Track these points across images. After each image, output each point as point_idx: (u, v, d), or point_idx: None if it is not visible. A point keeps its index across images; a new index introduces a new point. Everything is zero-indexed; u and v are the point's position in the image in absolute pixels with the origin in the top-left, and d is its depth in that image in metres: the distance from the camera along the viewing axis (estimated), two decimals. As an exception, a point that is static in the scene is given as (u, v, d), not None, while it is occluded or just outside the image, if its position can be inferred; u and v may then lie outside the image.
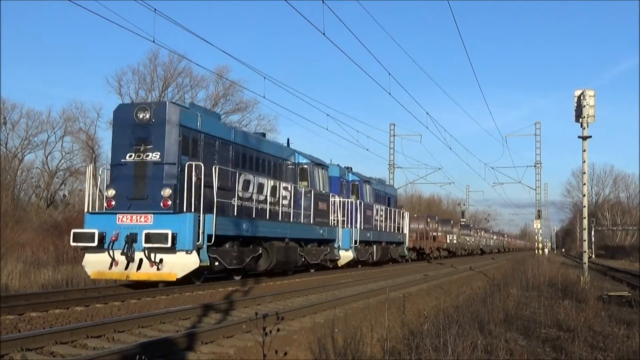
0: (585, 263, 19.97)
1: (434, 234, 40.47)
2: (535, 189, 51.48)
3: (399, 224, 30.10)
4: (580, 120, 19.15)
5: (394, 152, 48.53)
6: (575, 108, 19.56)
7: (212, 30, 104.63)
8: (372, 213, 25.90)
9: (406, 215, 31.51)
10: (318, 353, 6.92)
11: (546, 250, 64.63)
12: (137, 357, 5.16)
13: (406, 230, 31.18)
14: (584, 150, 19.29)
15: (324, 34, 15.72)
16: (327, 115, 31.76)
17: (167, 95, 51.04)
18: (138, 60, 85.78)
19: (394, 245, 29.21)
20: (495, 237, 77.71)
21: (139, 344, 6.84)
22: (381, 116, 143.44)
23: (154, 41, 14.83)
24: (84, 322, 8.67)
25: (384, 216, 27.65)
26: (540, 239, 58.26)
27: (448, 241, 44.89)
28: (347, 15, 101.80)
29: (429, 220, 40.47)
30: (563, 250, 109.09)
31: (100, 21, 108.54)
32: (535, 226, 57.63)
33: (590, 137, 19.14)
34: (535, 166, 50.51)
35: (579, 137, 19.30)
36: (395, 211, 29.84)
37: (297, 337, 7.87)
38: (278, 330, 4.32)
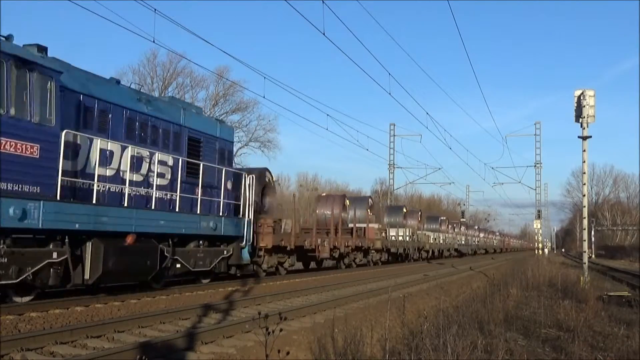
0: (585, 263, 19.97)
1: (357, 225, 25.84)
2: (535, 189, 51.57)
3: (232, 195, 15.75)
4: (580, 120, 19.16)
5: (394, 152, 48.58)
6: (575, 108, 19.57)
7: (212, 30, 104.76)
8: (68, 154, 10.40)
9: (249, 180, 15.94)
10: (318, 353, 6.92)
11: (546, 250, 64.60)
12: (138, 357, 5.17)
13: (250, 213, 15.85)
14: (584, 150, 19.29)
15: (324, 34, 15.69)
16: (327, 115, 31.65)
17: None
18: (138, 60, 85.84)
19: (202, 243, 14.18)
20: (482, 235, 66.92)
21: (139, 344, 6.85)
22: (381, 116, 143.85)
23: (154, 41, 14.73)
24: (84, 322, 8.67)
25: (154, 172, 12.70)
26: (540, 239, 58.26)
27: (391, 237, 30.89)
28: (347, 15, 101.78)
29: (346, 203, 27.50)
30: (563, 250, 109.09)
31: (100, 21, 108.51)
32: (535, 226, 57.63)
33: (590, 137, 19.17)
34: (535, 166, 50.59)
35: (579, 137, 19.34)
36: (204, 169, 14.22)
37: (297, 337, 7.87)
38: (281, 330, 4.32)
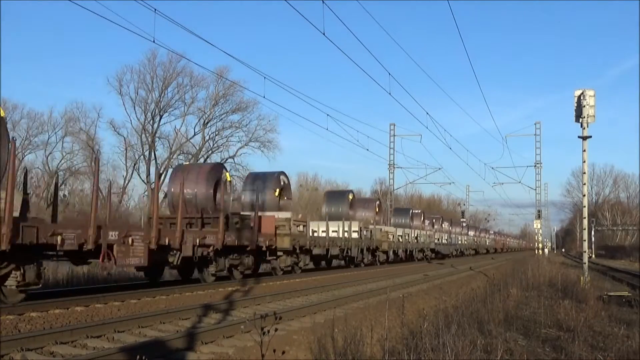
0: (585, 263, 19.97)
1: (241, 213, 18.13)
2: (535, 189, 51.47)
3: None
4: (580, 120, 19.17)
5: (394, 152, 48.42)
6: (575, 108, 19.58)
7: (212, 30, 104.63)
8: None
9: None
10: (318, 353, 6.92)
11: (546, 251, 64.60)
12: (137, 357, 5.16)
13: None
14: (584, 150, 19.30)
15: (324, 34, 15.70)
16: (327, 115, 31.55)
17: (167, 95, 51.13)
18: (138, 60, 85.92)
19: None
20: (472, 234, 59.33)
21: (139, 344, 6.85)
22: (381, 116, 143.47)
23: (154, 41, 14.69)
24: (84, 322, 8.68)
25: None
26: (540, 239, 58.25)
27: (314, 233, 22.70)
28: (347, 15, 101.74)
29: (225, 178, 17.67)
30: (563, 250, 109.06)
31: (100, 21, 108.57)
32: (535, 226, 57.58)
33: (590, 137, 19.17)
34: (535, 166, 50.51)
35: (579, 137, 19.33)
36: None
37: (297, 337, 7.88)
38: (276, 330, 4.33)
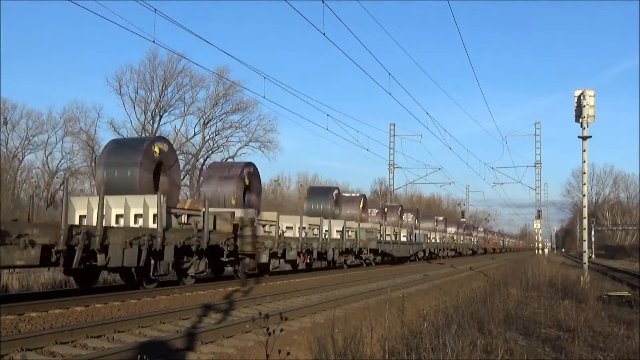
0: (585, 263, 19.97)
1: None
2: (535, 189, 51.53)
3: None
4: (580, 120, 19.17)
5: (394, 152, 48.40)
6: (575, 108, 19.58)
7: (212, 30, 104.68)
8: None
9: None
10: (318, 353, 6.92)
11: (546, 251, 64.59)
12: (138, 357, 5.16)
13: None
14: (584, 150, 19.30)
15: (324, 34, 15.72)
16: (327, 115, 31.46)
17: (167, 95, 51.14)
18: (138, 60, 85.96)
19: None
20: (451, 231, 49.00)
21: (139, 344, 6.85)
22: (381, 116, 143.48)
23: (154, 41, 14.71)
24: (84, 322, 8.67)
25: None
26: (540, 239, 58.27)
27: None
28: (347, 15, 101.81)
29: None
30: (563, 250, 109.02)
31: (100, 21, 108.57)
32: (535, 226, 57.62)
33: (590, 137, 19.18)
34: (535, 166, 50.57)
35: (579, 137, 19.34)
36: None
37: (297, 337, 7.88)
38: (282, 330, 4.33)
